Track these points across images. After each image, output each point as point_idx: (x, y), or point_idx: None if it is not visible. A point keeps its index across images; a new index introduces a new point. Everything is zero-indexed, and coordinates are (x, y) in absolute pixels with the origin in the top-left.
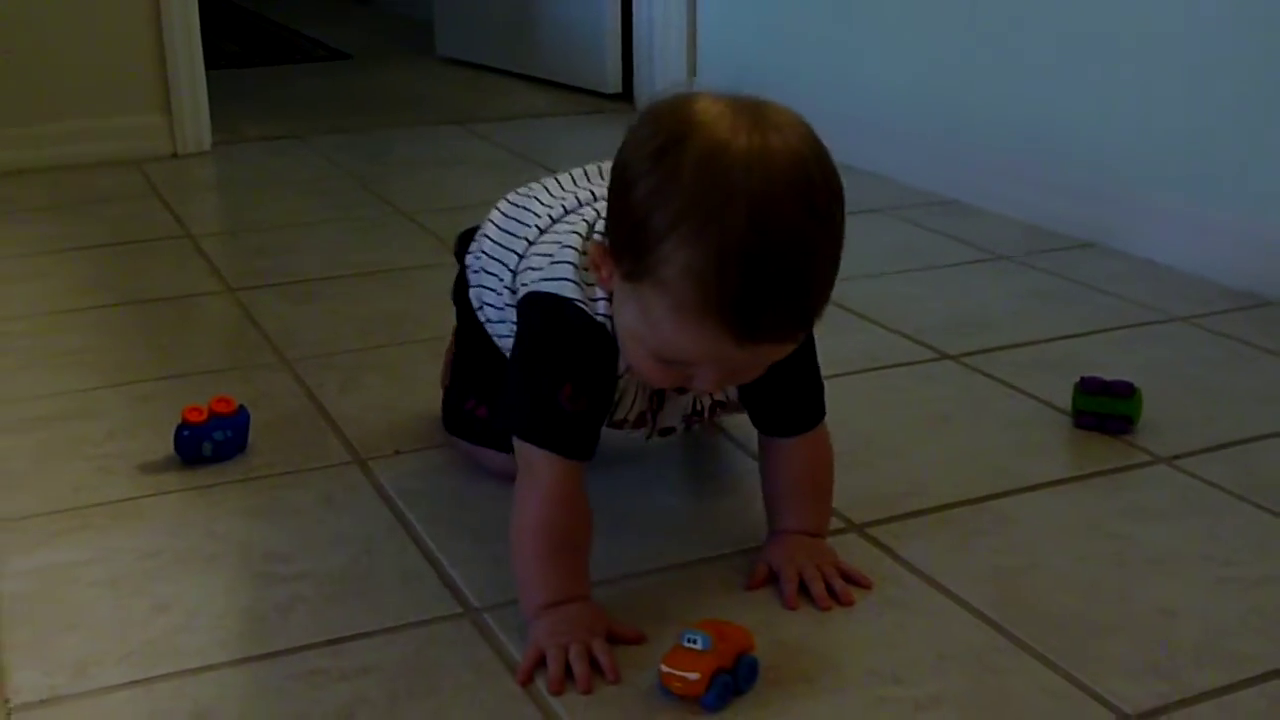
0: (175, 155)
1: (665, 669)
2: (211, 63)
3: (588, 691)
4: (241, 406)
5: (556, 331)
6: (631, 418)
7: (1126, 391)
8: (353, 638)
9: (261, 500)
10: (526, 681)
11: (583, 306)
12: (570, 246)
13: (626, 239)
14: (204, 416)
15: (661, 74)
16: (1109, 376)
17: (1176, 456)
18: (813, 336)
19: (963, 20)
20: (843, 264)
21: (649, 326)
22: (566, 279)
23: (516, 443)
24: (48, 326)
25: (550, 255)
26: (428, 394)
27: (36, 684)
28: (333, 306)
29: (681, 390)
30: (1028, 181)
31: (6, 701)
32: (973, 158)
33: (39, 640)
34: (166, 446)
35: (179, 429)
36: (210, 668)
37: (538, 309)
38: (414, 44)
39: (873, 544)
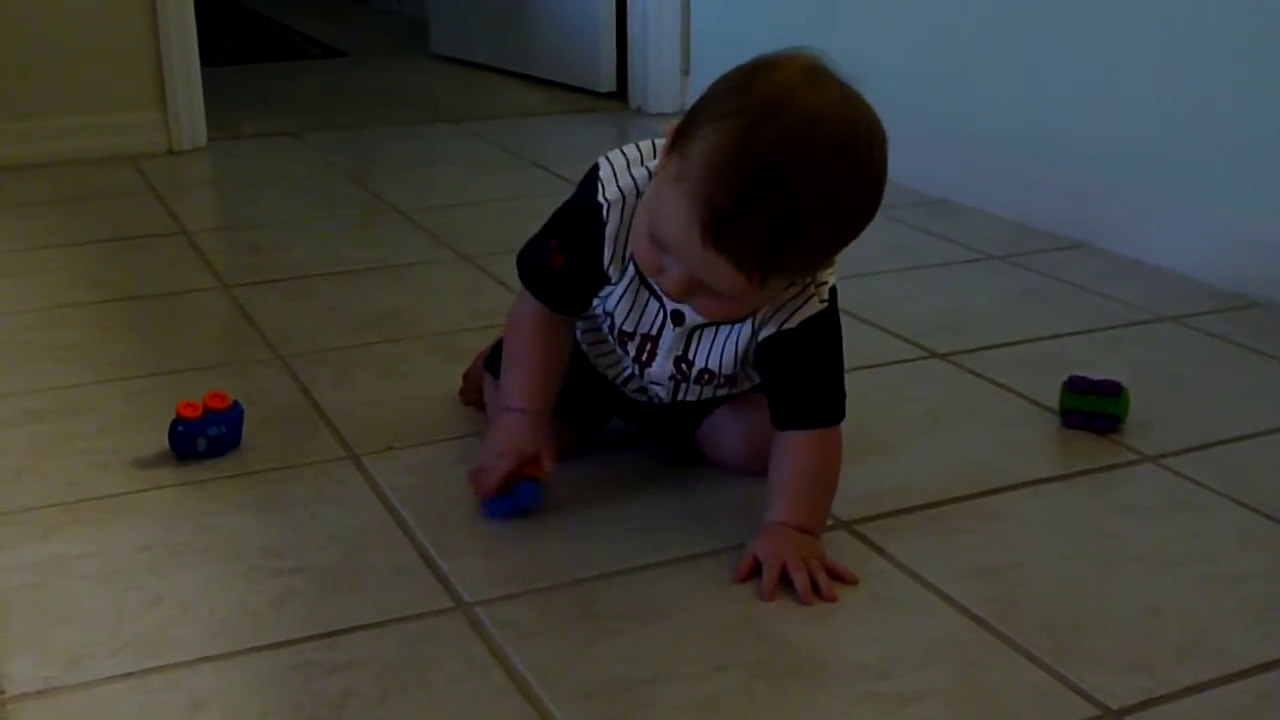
0: (171, 151)
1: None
2: (207, 59)
3: (484, 495)
4: (236, 402)
5: (575, 197)
6: (631, 330)
7: (1114, 391)
8: (345, 631)
9: (256, 495)
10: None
11: (601, 185)
12: (645, 143)
13: (692, 110)
14: (199, 412)
15: (655, 73)
16: (1097, 376)
17: (1163, 455)
18: (840, 344)
19: (953, 20)
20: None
21: (658, 191)
22: (624, 154)
23: None
24: (42, 321)
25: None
26: (421, 390)
27: (31, 676)
28: (327, 303)
29: (678, 320)
30: (1017, 181)
31: (1, 693)
32: (962, 157)
33: (33, 633)
34: (161, 442)
35: (174, 424)
36: (204, 660)
37: (586, 174)
38: (409, 42)
39: (860, 540)
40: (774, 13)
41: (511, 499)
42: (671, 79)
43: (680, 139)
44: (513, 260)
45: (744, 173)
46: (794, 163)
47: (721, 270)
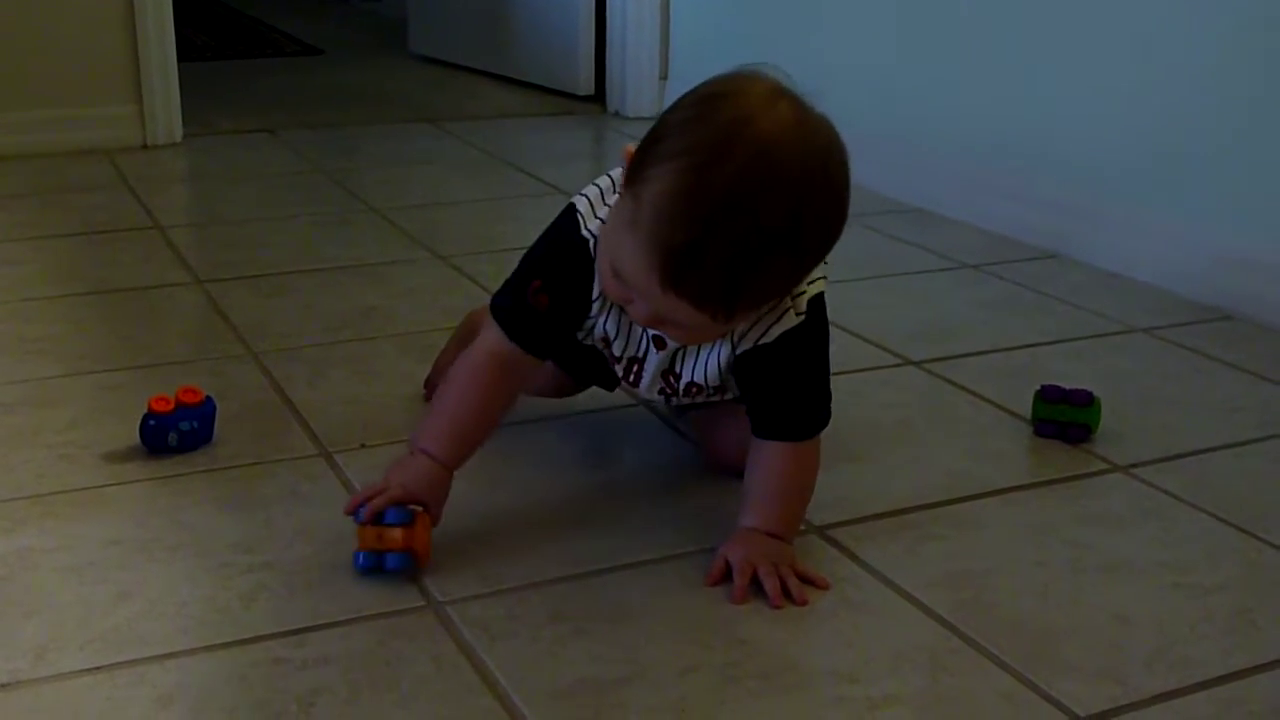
0: (146, 146)
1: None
2: (184, 55)
3: (351, 512)
4: (208, 397)
5: (552, 236)
6: (619, 355)
7: (1086, 400)
8: (315, 628)
9: (226, 491)
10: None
11: (581, 219)
12: (616, 171)
13: (643, 147)
14: (170, 406)
15: (634, 77)
16: (1069, 385)
17: (1133, 465)
18: (824, 354)
19: (930, 28)
20: None
21: (615, 231)
22: (597, 185)
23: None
24: (14, 314)
25: (599, 178)
26: (395, 388)
27: None
28: (301, 300)
29: (660, 345)
30: (993, 191)
31: None
32: (939, 166)
33: (0, 625)
34: (132, 436)
35: (145, 418)
36: (172, 655)
37: (559, 216)
38: (387, 41)
39: (833, 545)
40: (753, 18)
41: (380, 559)
42: (650, 83)
43: (632, 179)
44: (488, 260)
45: (696, 218)
46: (746, 202)
47: (684, 310)
